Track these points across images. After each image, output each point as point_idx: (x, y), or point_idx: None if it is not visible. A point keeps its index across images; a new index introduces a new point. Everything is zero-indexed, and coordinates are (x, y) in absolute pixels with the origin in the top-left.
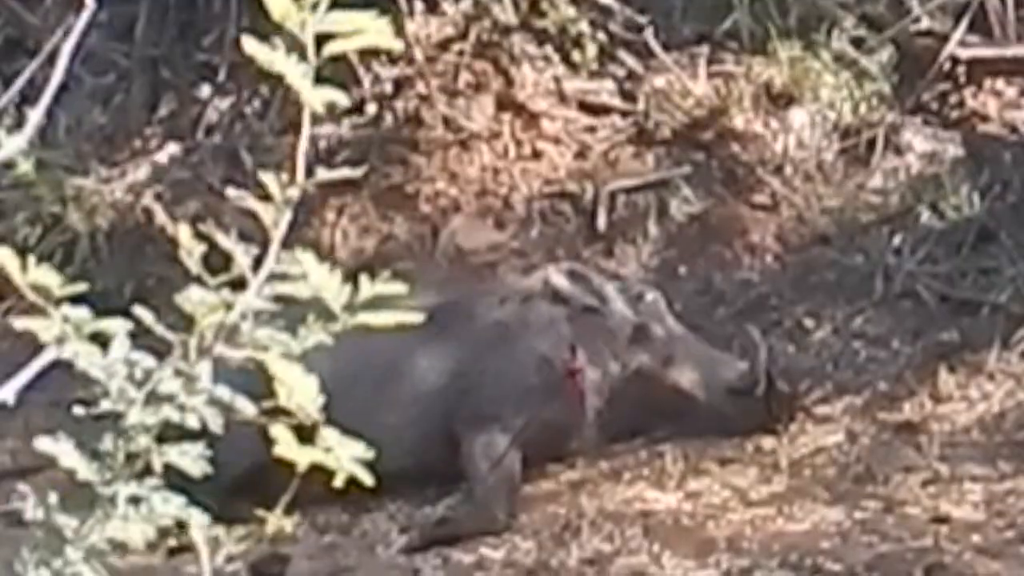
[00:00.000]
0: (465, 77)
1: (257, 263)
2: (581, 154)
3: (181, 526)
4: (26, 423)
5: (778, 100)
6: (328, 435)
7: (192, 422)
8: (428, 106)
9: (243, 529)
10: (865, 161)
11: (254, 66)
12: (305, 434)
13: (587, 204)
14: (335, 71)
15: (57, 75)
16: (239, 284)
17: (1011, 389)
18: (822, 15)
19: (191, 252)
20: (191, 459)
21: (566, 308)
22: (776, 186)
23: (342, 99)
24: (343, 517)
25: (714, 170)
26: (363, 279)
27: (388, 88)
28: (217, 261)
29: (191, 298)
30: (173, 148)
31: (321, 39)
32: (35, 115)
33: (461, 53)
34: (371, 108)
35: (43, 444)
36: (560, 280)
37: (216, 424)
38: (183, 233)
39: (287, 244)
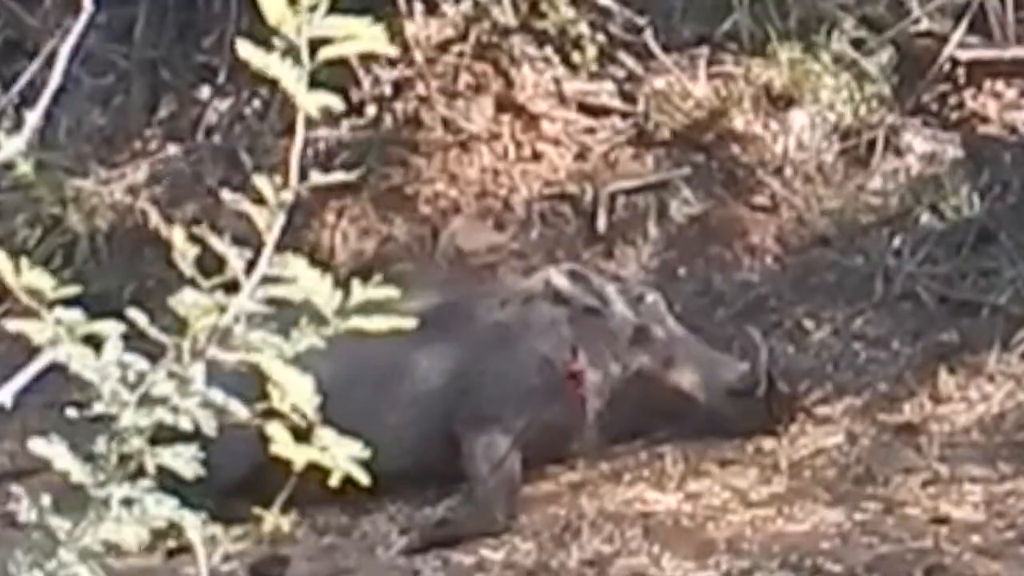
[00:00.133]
0: (465, 79)
1: (251, 266)
2: (581, 155)
3: (180, 527)
4: (23, 425)
5: (778, 101)
6: (324, 435)
7: (185, 424)
8: (428, 108)
9: (240, 529)
10: (865, 162)
11: (253, 68)
12: (302, 435)
13: (587, 205)
14: (334, 73)
15: (56, 77)
16: (233, 287)
17: (1011, 390)
18: (822, 16)
19: (184, 255)
20: (184, 461)
21: (567, 309)
22: (776, 187)
23: (337, 103)
24: (343, 518)
25: (714, 171)
26: (356, 283)
27: (388, 90)
28: (213, 264)
29: (184, 301)
30: (173, 149)
31: (318, 43)
32: (33, 116)
33: (461, 55)
34: (371, 110)
35: (37, 446)
36: (561, 281)
37: (209, 426)
38: (177, 236)
39: (288, 246)
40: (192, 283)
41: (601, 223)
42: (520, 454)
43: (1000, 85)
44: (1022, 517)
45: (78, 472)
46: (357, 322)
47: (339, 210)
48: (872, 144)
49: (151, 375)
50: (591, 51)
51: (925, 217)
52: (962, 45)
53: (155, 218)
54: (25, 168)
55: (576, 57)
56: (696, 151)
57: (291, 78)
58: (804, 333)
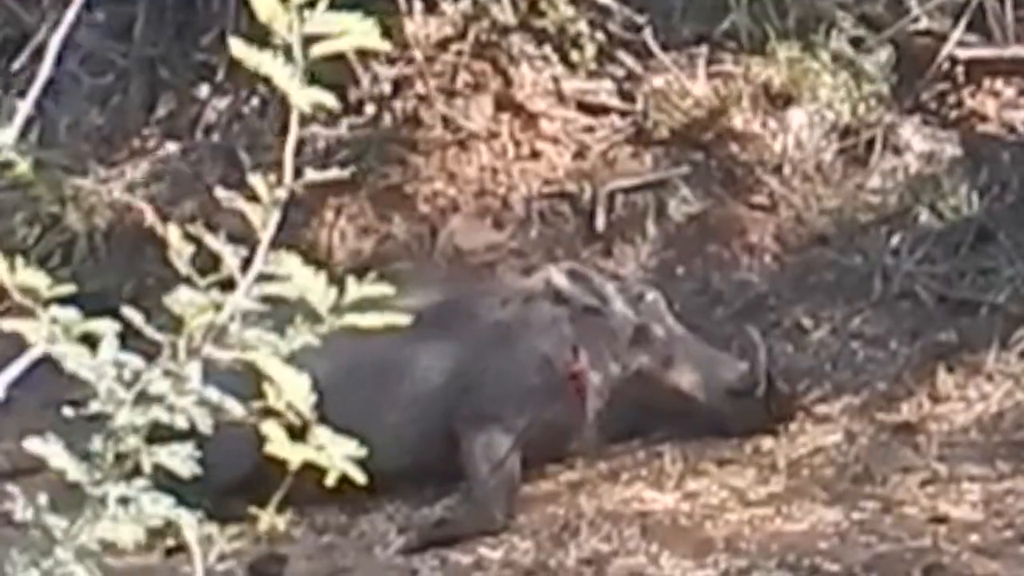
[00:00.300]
0: (464, 77)
1: (247, 264)
2: (580, 154)
3: (177, 526)
4: (19, 424)
5: (777, 100)
6: (320, 433)
7: (181, 423)
8: (427, 106)
9: (236, 528)
10: (864, 161)
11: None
12: (299, 433)
13: (585, 204)
14: (333, 71)
15: (45, 68)
16: (229, 285)
17: (1009, 389)
18: (821, 15)
19: (180, 253)
20: (180, 460)
21: (568, 308)
22: (775, 186)
23: (331, 100)
24: (341, 518)
25: (713, 170)
26: (351, 281)
27: (387, 88)
28: (210, 262)
29: (180, 299)
30: (171, 148)
31: (313, 40)
32: (24, 106)
33: (460, 53)
34: (369, 108)
35: (33, 445)
36: (561, 280)
37: (205, 425)
38: (173, 234)
39: (286, 244)
40: (188, 281)
41: (600, 222)
42: (519, 453)
43: (999, 84)
44: (1020, 516)
45: (74, 471)
46: (352, 319)
47: (337, 208)
48: (871, 143)
49: (147, 373)
50: (590, 50)
51: (924, 216)
52: (961, 44)
53: (151, 216)
54: (24, 167)
55: (575, 56)
56: (695, 150)
57: (284, 75)
58: (803, 332)
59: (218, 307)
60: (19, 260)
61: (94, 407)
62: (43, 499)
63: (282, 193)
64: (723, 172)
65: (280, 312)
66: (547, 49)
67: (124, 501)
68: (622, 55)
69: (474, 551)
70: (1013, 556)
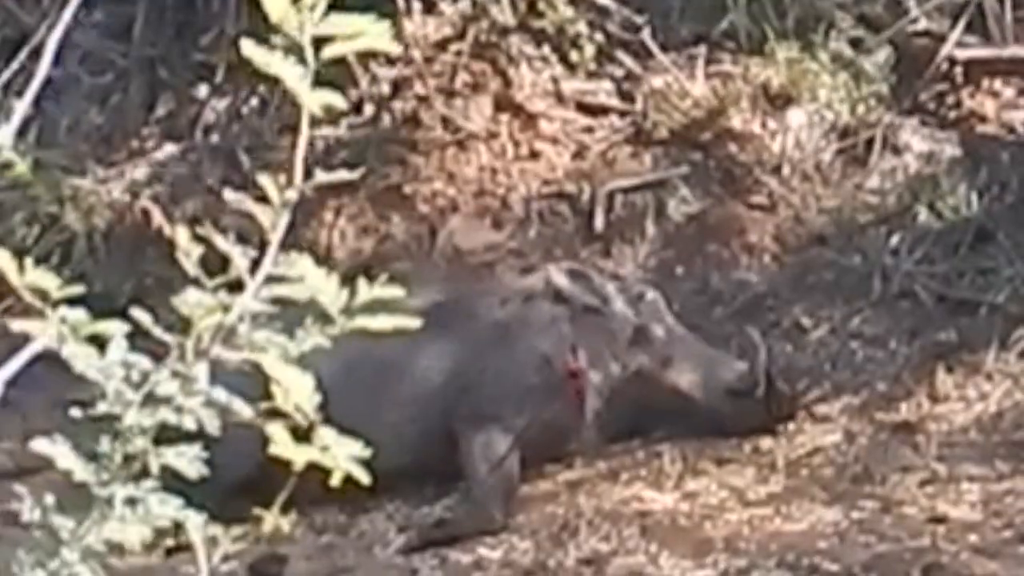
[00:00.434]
0: (463, 77)
1: (255, 265)
2: (579, 154)
3: (179, 526)
4: (26, 424)
5: (776, 100)
6: (325, 434)
7: (189, 424)
8: (426, 106)
9: (240, 529)
10: (863, 161)
11: (252, 66)
12: (303, 434)
13: (585, 204)
14: (332, 72)
15: (43, 67)
16: (237, 286)
17: (1008, 389)
18: (820, 16)
19: (188, 254)
20: (188, 461)
21: (567, 308)
22: (774, 186)
23: (340, 102)
24: (341, 517)
25: (712, 170)
26: (361, 282)
27: (386, 89)
28: (215, 263)
29: (188, 300)
30: (171, 148)
31: (319, 41)
32: (23, 106)
33: (459, 53)
34: (369, 109)
35: (40, 445)
36: (561, 280)
37: (213, 426)
38: (181, 235)
39: (284, 245)
40: (196, 282)
41: (599, 222)
42: (518, 453)
43: (998, 84)
44: (1020, 516)
45: (81, 471)
46: (363, 321)
47: (337, 208)
48: (870, 143)
49: (155, 375)
50: (589, 50)
51: (923, 216)
52: (960, 44)
53: (158, 217)
54: (23, 167)
55: (574, 56)
56: (694, 150)
57: (294, 76)
58: (802, 332)
59: (226, 308)
60: (27, 261)
61: (102, 408)
62: (50, 499)
63: (292, 194)
64: (722, 172)
65: (286, 314)
66: (546, 50)
67: (132, 502)
68: (621, 55)
69: (473, 551)
70: (1012, 556)
